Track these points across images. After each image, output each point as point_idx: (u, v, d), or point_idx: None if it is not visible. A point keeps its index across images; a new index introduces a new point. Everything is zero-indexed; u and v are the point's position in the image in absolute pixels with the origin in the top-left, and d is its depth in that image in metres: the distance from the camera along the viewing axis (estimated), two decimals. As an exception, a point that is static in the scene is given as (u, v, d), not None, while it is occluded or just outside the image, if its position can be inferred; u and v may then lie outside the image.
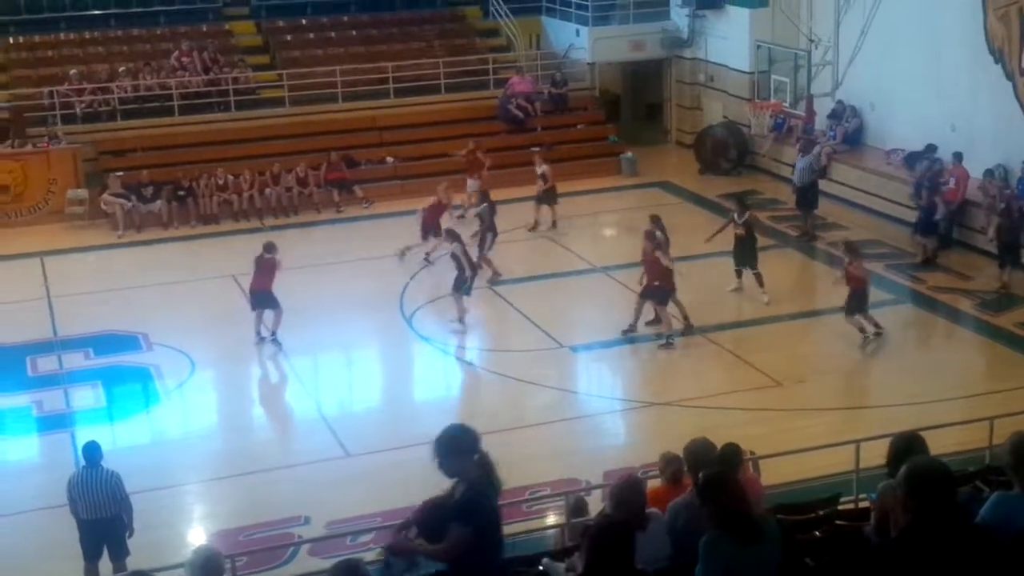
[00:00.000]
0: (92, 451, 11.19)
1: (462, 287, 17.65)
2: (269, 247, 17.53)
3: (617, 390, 16.54)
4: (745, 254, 18.63)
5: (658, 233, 17.52)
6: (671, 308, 17.16)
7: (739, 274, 18.73)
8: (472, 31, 29.96)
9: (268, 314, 17.38)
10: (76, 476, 11.22)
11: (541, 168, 22.54)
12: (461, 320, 17.70)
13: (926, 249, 20.30)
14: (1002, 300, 18.37)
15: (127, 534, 11.21)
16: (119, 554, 11.12)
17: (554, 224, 22.37)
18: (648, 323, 17.31)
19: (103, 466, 11.15)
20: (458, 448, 6.31)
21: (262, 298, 17.32)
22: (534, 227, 22.29)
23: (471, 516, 6.04)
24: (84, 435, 14.74)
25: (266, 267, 17.34)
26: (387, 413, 16.00)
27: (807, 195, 21.85)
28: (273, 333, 17.25)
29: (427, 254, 20.26)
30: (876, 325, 16.90)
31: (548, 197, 22.43)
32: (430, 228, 20.33)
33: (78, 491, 11.07)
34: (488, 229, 19.98)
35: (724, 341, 17.18)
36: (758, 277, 18.50)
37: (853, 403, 14.77)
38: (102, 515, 11.04)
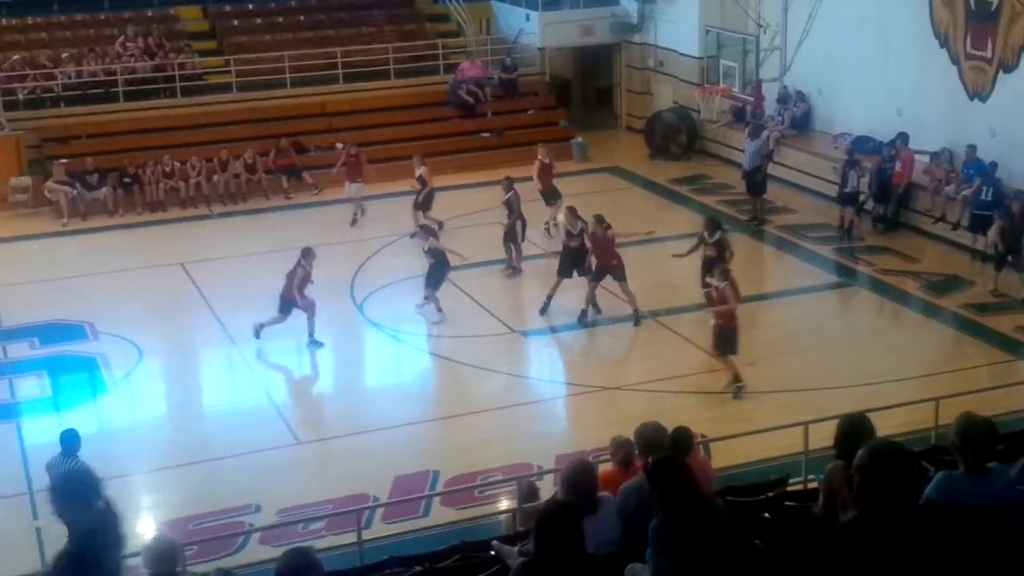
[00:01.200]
0: (65, 440, 11.13)
1: (436, 284, 17.41)
2: (307, 252, 17.03)
3: (568, 375, 16.56)
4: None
5: (580, 223, 17.50)
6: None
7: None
8: (422, 16, 29.84)
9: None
10: (52, 462, 11.22)
11: (419, 170, 21.15)
12: (439, 309, 17.47)
13: (844, 219, 20.89)
14: (947, 282, 18.60)
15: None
16: None
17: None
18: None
19: (77, 457, 11.05)
20: (75, 494, 5.72)
21: (289, 304, 16.77)
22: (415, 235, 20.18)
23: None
24: (30, 426, 14.62)
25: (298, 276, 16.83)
26: (338, 400, 15.95)
27: (756, 179, 21.98)
28: (311, 335, 16.83)
29: (547, 222, 20.49)
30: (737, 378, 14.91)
31: (425, 202, 21.07)
32: (549, 191, 20.69)
33: (49, 476, 11.03)
34: (517, 218, 19.47)
35: (674, 325, 17.25)
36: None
37: (801, 385, 14.86)
38: None
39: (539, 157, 21.08)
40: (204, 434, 14.76)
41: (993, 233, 18.25)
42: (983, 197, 19.18)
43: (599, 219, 17.27)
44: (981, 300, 17.79)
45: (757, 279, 20.26)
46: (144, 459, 13.99)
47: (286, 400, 15.54)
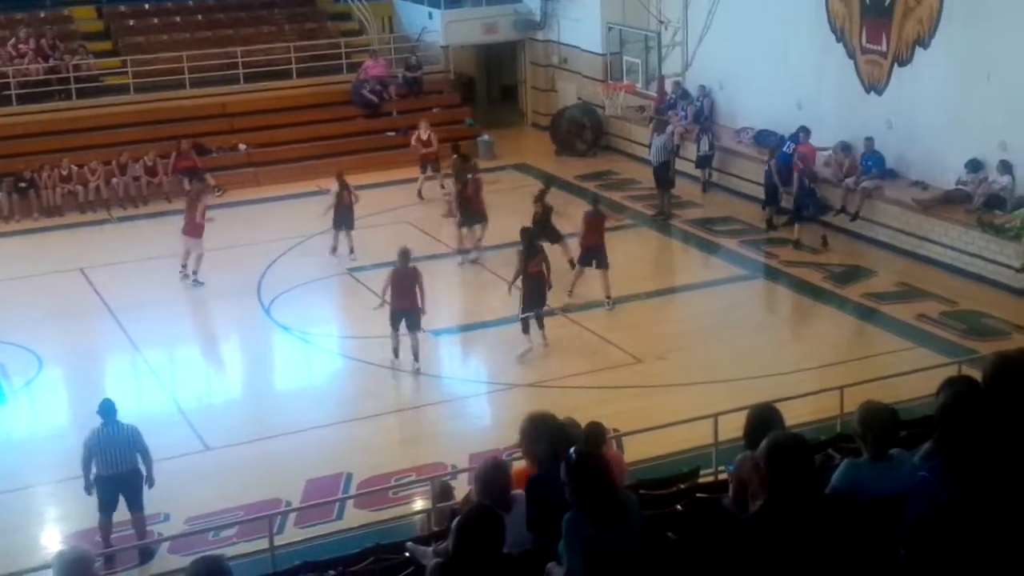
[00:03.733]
0: (110, 407, 11.40)
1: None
2: (404, 255, 15.75)
3: (480, 373, 16.56)
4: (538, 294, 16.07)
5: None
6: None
7: (526, 325, 15.94)
8: (323, 15, 29.57)
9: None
10: (96, 434, 11.37)
11: (336, 185, 19.86)
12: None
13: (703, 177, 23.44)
14: (849, 272, 18.96)
15: (148, 485, 11.52)
16: (139, 504, 11.49)
17: (351, 251, 19.63)
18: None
19: (120, 421, 11.39)
20: None
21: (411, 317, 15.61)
22: (335, 252, 19.69)
23: None
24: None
25: (409, 280, 15.66)
26: (247, 405, 15.73)
27: (664, 174, 22.17)
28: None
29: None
30: None
31: (346, 219, 19.66)
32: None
33: (99, 448, 11.28)
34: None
35: (584, 321, 17.34)
36: (540, 321, 16.06)
37: (711, 377, 15.05)
38: (123, 469, 11.33)
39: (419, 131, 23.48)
40: (109, 443, 14.43)
41: None
42: (807, 186, 20.35)
43: (596, 198, 18.51)
44: (882, 289, 18.18)
45: (665, 273, 20.51)
46: (47, 470, 13.64)
47: (193, 406, 15.26)
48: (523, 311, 15.88)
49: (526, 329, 15.95)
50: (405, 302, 15.46)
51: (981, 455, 4.88)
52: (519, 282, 15.99)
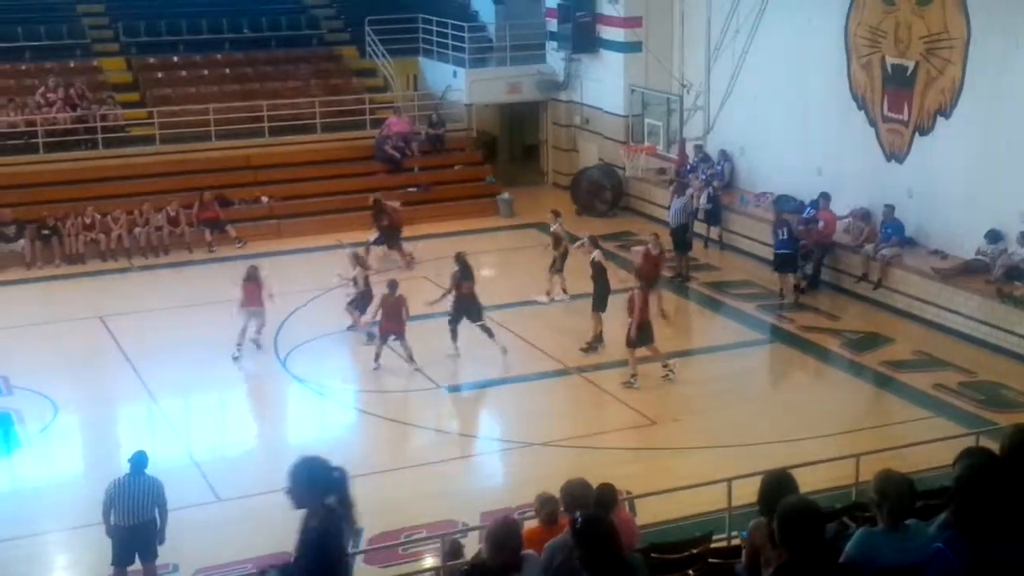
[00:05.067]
0: (140, 460, 11.47)
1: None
2: (392, 285, 17.66)
3: (493, 430, 16.51)
4: (472, 310, 18.09)
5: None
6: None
7: (455, 334, 17.95)
8: (349, 71, 29.88)
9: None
10: (118, 483, 11.40)
11: (355, 272, 19.05)
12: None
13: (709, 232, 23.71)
14: (866, 339, 18.87)
15: (158, 541, 11.47)
16: (149, 556, 11.48)
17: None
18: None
19: (147, 474, 11.44)
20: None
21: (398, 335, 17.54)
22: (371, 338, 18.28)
23: None
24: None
25: (395, 307, 17.51)
26: (260, 456, 15.66)
27: (683, 236, 22.23)
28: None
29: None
30: None
31: (364, 304, 18.83)
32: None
33: (118, 497, 11.30)
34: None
35: (600, 380, 17.30)
36: (486, 329, 17.98)
37: (726, 441, 14.95)
38: (139, 520, 11.33)
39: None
40: (121, 492, 14.39)
41: None
42: (781, 236, 20.45)
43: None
44: (900, 358, 18.07)
45: (682, 335, 20.43)
46: (59, 517, 13.64)
47: (206, 457, 15.24)
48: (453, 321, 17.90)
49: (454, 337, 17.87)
50: (393, 325, 17.40)
51: (997, 527, 4.83)
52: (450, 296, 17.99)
